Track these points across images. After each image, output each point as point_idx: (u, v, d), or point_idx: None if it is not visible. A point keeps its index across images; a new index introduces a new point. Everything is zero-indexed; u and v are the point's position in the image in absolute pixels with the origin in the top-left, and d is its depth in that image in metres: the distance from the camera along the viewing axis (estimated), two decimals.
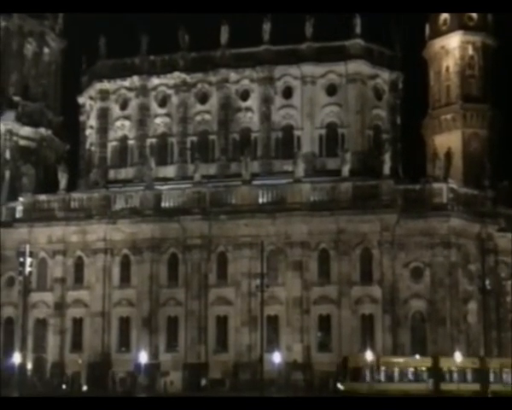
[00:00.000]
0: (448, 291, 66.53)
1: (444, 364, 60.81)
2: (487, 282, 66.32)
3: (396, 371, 60.35)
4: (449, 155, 76.06)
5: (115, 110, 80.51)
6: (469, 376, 60.59)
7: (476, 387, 59.60)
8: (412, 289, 66.84)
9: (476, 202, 70.10)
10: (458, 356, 60.65)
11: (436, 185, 67.80)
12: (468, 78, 78.30)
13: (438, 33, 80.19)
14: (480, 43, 78.72)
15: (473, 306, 68.19)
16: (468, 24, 78.69)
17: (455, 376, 60.32)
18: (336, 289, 67.01)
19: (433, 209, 66.86)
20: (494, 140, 78.88)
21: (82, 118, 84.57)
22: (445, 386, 59.61)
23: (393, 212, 66.75)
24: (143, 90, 79.23)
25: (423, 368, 60.63)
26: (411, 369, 60.58)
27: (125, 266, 71.22)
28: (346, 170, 68.67)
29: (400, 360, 62.07)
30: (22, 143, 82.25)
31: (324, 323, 67.26)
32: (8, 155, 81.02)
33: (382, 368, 60.34)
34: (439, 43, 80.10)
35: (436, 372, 60.24)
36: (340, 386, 60.19)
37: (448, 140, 78.14)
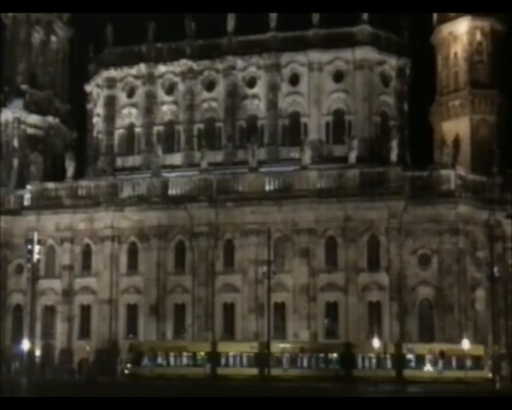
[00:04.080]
0: (456, 278, 66.29)
1: (222, 349, 62.15)
2: (495, 269, 65.82)
3: (173, 355, 62.21)
4: (457, 142, 75.58)
5: (122, 98, 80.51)
6: (248, 360, 61.42)
7: (255, 371, 60.29)
8: (420, 277, 66.64)
9: (484, 189, 69.67)
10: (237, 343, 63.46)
11: (444, 172, 67.46)
12: (477, 63, 77.61)
13: (446, 19, 79.44)
14: (489, 29, 77.95)
15: (481, 293, 67.92)
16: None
17: (231, 360, 61.47)
18: (343, 277, 66.93)
19: (441, 196, 66.56)
20: (502, 126, 78.22)
21: (89, 106, 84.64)
22: (221, 370, 60.94)
23: (401, 199, 66.50)
24: (150, 78, 79.17)
25: (202, 353, 62.25)
26: (190, 354, 62.20)
27: (133, 253, 71.39)
28: (353, 157, 68.42)
29: (178, 344, 64.01)
30: (30, 131, 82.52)
31: (331, 310, 67.21)
32: (16, 143, 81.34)
33: (160, 353, 62.28)
34: (447, 28, 79.39)
35: (214, 357, 61.52)
36: (125, 371, 62.53)
37: (456, 126, 77.58)
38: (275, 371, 59.23)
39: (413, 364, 60.47)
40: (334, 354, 61.36)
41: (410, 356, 60.70)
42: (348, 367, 60.32)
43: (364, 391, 47.07)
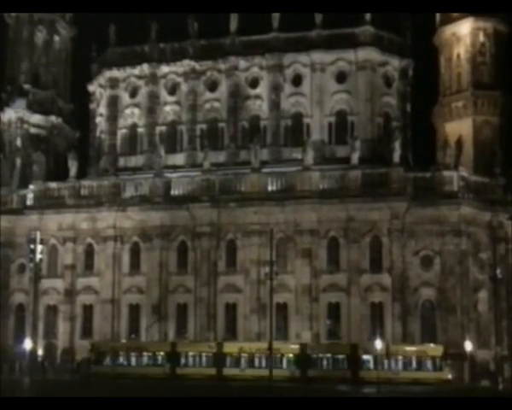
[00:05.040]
0: (458, 280, 66.22)
1: (181, 349, 62.59)
2: (498, 270, 66.10)
3: (134, 355, 62.82)
4: (460, 143, 75.63)
5: (125, 98, 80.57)
6: (206, 360, 61.73)
7: (212, 371, 60.64)
8: (422, 278, 66.58)
9: (487, 190, 69.64)
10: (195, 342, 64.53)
11: (446, 173, 67.43)
12: (480, 65, 77.55)
13: (449, 20, 79.38)
14: (492, 30, 77.88)
15: (483, 294, 67.83)
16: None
17: (190, 360, 61.85)
18: (345, 277, 66.92)
19: (444, 197, 66.53)
20: (505, 127, 78.12)
21: (92, 106, 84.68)
22: (180, 370, 61.37)
23: (403, 200, 66.48)
24: (153, 78, 79.21)
25: (162, 353, 62.69)
26: (150, 354, 62.78)
27: (135, 253, 71.44)
28: (355, 158, 68.41)
29: (139, 344, 64.89)
30: (33, 130, 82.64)
31: (333, 311, 67.20)
32: (18, 142, 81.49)
33: (121, 353, 62.97)
34: (449, 29, 79.33)
35: (173, 357, 61.93)
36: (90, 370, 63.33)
37: (459, 127, 77.52)
38: (232, 371, 59.96)
39: (370, 364, 60.04)
40: (290, 355, 60.90)
41: (366, 357, 60.38)
42: (304, 368, 60.10)
43: (318, 390, 47.40)
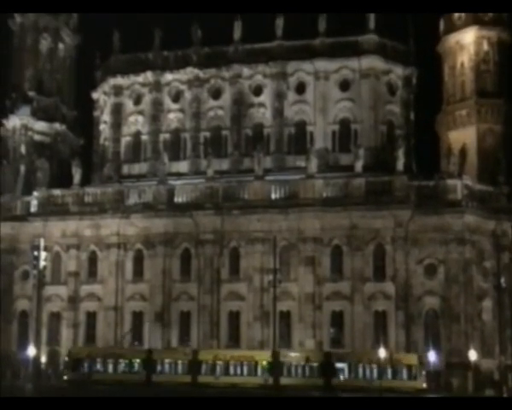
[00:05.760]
0: (462, 288, 66.05)
1: (157, 356, 62.78)
2: (502, 279, 65.95)
3: (111, 362, 63.03)
4: (463, 151, 75.60)
5: (129, 105, 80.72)
6: (181, 367, 61.81)
7: (187, 378, 60.79)
8: (426, 286, 66.45)
9: (491, 199, 69.52)
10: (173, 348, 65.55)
11: (450, 181, 67.37)
12: (483, 73, 77.60)
13: (452, 28, 79.48)
14: (496, 39, 77.93)
15: (487, 303, 67.64)
16: (483, 19, 77.91)
17: (166, 368, 62.01)
18: (349, 285, 66.82)
19: (448, 205, 66.44)
20: (509, 136, 78.05)
21: (96, 113, 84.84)
22: (156, 377, 61.59)
23: (407, 208, 66.42)
24: (157, 86, 79.36)
25: (138, 360, 62.82)
26: (126, 361, 62.92)
27: (138, 260, 71.46)
28: (359, 166, 68.41)
29: (116, 351, 64.92)
30: (37, 137, 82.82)
31: (337, 319, 67.09)
32: (23, 149, 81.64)
33: (98, 359, 63.13)
34: (453, 38, 79.41)
35: (149, 364, 62.20)
36: (64, 377, 63.51)
37: (463, 136, 77.51)
38: (207, 379, 60.09)
39: (344, 373, 59.65)
40: (264, 362, 60.56)
41: (341, 365, 60.06)
42: (277, 376, 59.54)
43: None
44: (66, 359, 65.13)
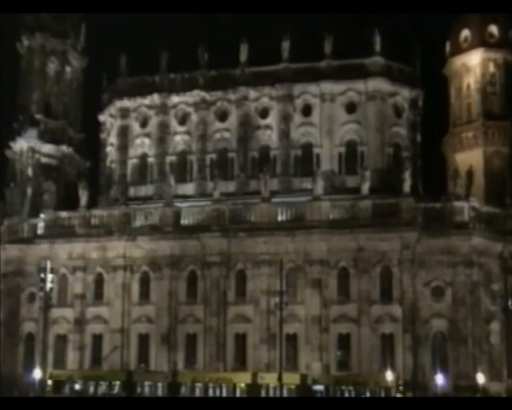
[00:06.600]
0: (470, 311, 65.70)
1: (137, 378, 63.01)
2: (510, 302, 65.61)
3: (92, 384, 63.38)
4: (470, 173, 75.49)
5: (135, 128, 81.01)
6: (161, 389, 61.95)
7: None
8: (433, 309, 66.14)
9: (498, 221, 69.34)
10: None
11: (457, 204, 67.26)
12: (490, 95, 77.75)
13: (458, 51, 79.75)
14: (502, 61, 78.16)
15: (495, 326, 67.26)
16: (489, 41, 78.27)
17: (146, 390, 62.16)
18: (356, 308, 66.54)
19: (455, 228, 66.27)
20: None
21: (102, 135, 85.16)
22: None
23: (414, 230, 66.27)
24: (163, 108, 79.67)
25: (117, 382, 63.12)
26: (107, 382, 63.28)
27: (145, 282, 71.38)
28: (365, 188, 68.38)
29: (96, 373, 66.11)
30: (44, 160, 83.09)
31: (344, 341, 66.76)
32: (30, 172, 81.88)
33: (79, 381, 64.07)
34: (459, 60, 79.66)
35: (129, 386, 62.21)
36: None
37: (469, 158, 77.49)
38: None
39: (322, 395, 59.15)
40: (242, 385, 60.11)
41: (318, 387, 59.69)
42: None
43: None
44: (49, 381, 64.76)
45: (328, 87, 75.29)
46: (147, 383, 62.71)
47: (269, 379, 60.31)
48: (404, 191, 67.79)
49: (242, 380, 60.97)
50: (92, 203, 77.81)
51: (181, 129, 79.52)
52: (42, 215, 75.87)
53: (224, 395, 60.43)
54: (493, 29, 78.60)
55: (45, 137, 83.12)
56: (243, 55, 78.09)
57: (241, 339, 68.52)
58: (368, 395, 58.63)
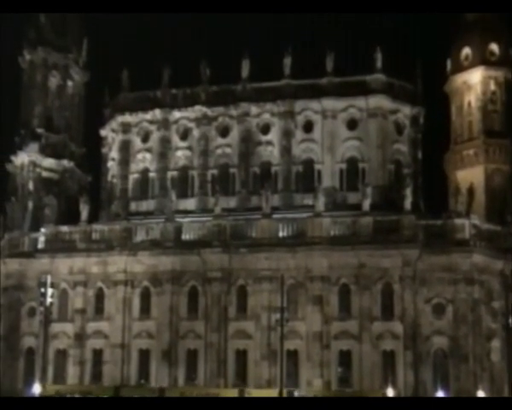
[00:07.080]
0: (471, 328, 65.67)
1: (125, 393, 62.33)
2: (511, 319, 65.57)
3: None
4: (471, 191, 75.65)
5: (137, 143, 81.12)
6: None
7: None
8: (434, 326, 66.10)
9: (499, 238, 69.39)
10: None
11: (458, 221, 67.36)
12: (491, 113, 78.08)
13: (459, 68, 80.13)
14: (503, 79, 78.54)
15: (496, 343, 67.22)
16: (489, 59, 78.67)
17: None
18: (357, 325, 66.48)
19: (456, 245, 66.31)
20: None
21: (104, 150, 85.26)
22: None
23: (415, 247, 66.33)
24: (165, 124, 79.83)
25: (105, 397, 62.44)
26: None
27: (145, 297, 71.24)
28: (366, 204, 68.47)
29: (83, 389, 65.66)
30: (45, 174, 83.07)
31: (345, 358, 66.64)
32: (31, 186, 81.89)
33: (67, 396, 63.02)
34: (460, 78, 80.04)
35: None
36: None
37: (470, 175, 77.70)
38: None
39: None
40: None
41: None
42: None
43: None
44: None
45: (329, 104, 75.53)
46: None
47: (255, 395, 60.10)
48: (406, 208, 67.93)
49: (229, 396, 60.35)
50: (93, 218, 77.77)
51: (182, 144, 79.66)
52: (42, 229, 75.83)
53: None
54: (494, 47, 79.04)
55: (46, 151, 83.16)
56: (245, 70, 78.34)
57: (241, 355, 68.38)
58: None
